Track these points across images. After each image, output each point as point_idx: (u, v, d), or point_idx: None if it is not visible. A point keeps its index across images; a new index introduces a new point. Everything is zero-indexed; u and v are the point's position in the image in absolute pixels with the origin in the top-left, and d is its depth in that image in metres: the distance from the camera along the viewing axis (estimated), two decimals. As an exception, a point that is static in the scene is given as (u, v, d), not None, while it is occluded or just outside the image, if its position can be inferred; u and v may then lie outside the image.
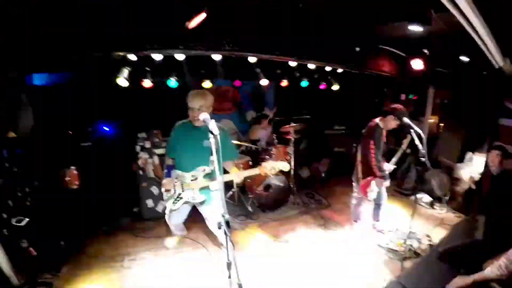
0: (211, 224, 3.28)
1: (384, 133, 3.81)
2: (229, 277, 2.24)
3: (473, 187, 4.12)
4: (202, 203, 3.09)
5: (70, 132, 4.33)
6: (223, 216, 2.08)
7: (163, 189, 3.18)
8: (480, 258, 2.69)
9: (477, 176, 4.13)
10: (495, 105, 4.61)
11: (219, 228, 2.10)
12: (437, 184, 4.91)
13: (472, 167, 4.22)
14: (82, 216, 4.17)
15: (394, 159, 3.85)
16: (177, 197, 3.08)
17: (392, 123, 3.66)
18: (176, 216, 3.37)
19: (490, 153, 3.96)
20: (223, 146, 2.93)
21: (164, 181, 3.16)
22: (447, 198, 4.76)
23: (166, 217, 3.40)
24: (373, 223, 4.29)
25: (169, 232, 4.06)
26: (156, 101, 4.81)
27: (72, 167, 4.05)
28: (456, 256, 2.81)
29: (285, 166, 2.97)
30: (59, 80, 4.19)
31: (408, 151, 4.07)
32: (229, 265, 2.21)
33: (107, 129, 4.41)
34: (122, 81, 4.22)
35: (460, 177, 4.75)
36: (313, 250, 3.84)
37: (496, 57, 3.09)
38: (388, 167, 3.82)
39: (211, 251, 3.76)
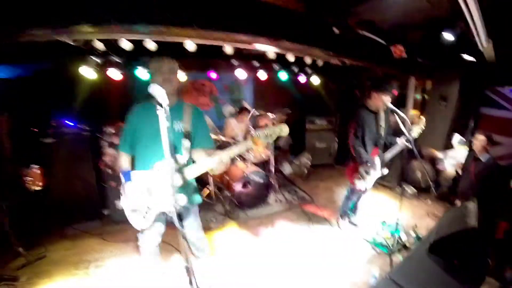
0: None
1: (380, 116, 3.51)
2: (190, 283, 1.87)
3: (460, 172, 4.02)
4: None
5: (35, 130, 3.99)
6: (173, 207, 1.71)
7: (130, 209, 2.33)
8: (473, 247, 2.56)
9: (460, 162, 4.05)
10: (477, 95, 4.61)
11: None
12: (421, 175, 4.82)
13: (456, 155, 4.14)
14: (44, 219, 3.91)
15: (389, 154, 3.53)
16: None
17: (378, 100, 3.36)
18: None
19: (473, 139, 3.88)
20: (199, 129, 2.43)
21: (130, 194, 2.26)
22: (432, 188, 4.63)
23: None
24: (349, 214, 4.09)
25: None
26: (124, 93, 4.50)
27: (35, 166, 3.67)
28: (448, 246, 2.64)
29: (284, 130, 2.14)
30: (21, 72, 3.86)
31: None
32: (187, 270, 1.82)
33: (71, 124, 4.04)
34: (89, 71, 3.95)
35: (444, 167, 4.67)
36: (298, 247, 3.63)
37: (482, 37, 2.98)
38: (377, 161, 3.50)
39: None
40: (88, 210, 4.22)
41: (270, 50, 4.02)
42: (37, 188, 3.70)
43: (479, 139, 3.81)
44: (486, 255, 2.79)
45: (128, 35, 3.14)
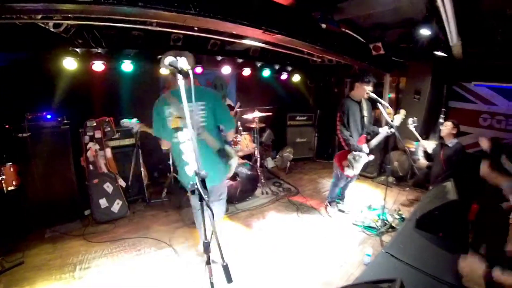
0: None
1: (363, 106, 3.77)
2: (208, 262, 1.82)
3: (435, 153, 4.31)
4: None
5: (7, 126, 3.64)
6: (197, 173, 1.65)
7: None
8: (454, 218, 2.82)
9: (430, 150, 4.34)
10: (446, 90, 5.09)
11: (193, 192, 1.64)
12: (399, 165, 5.17)
13: (429, 146, 4.46)
14: (20, 221, 3.62)
15: (374, 141, 3.79)
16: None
17: (360, 90, 3.64)
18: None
19: (441, 126, 4.20)
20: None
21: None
22: (415, 169, 4.95)
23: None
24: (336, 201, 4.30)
25: (129, 233, 3.70)
26: (107, 85, 4.32)
27: (8, 163, 3.38)
28: (432, 221, 2.87)
29: None
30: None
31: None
32: (207, 247, 1.77)
33: (49, 117, 3.77)
34: (70, 62, 3.75)
35: (418, 158, 5.02)
36: (291, 236, 3.70)
37: (453, 34, 3.30)
38: (365, 148, 3.75)
39: (178, 250, 3.37)
40: (68, 211, 3.96)
41: (260, 43, 4.11)
42: (12, 188, 3.43)
43: (446, 125, 4.07)
44: (466, 225, 3.09)
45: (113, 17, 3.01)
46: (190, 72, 1.69)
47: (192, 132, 1.72)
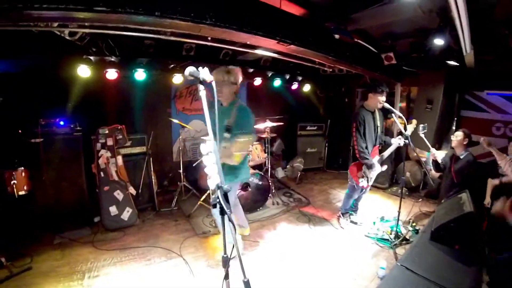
0: None
1: (376, 116, 3.77)
2: (226, 277, 1.75)
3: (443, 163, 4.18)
4: None
5: (20, 131, 3.69)
6: (219, 187, 1.59)
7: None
8: (471, 231, 2.74)
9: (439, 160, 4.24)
10: (458, 99, 5.05)
11: (214, 206, 1.58)
12: (411, 175, 5.09)
13: (441, 156, 4.38)
14: (29, 226, 3.63)
15: (387, 153, 3.77)
16: None
17: (374, 100, 3.63)
18: None
19: (452, 137, 4.02)
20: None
21: None
22: (421, 187, 4.89)
23: None
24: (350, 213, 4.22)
25: (139, 242, 3.68)
26: (120, 93, 4.37)
27: (20, 168, 3.39)
28: (448, 233, 2.80)
29: None
30: (6, 68, 3.60)
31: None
32: (225, 261, 1.71)
33: (62, 123, 3.81)
34: (84, 70, 3.80)
35: (430, 168, 4.94)
36: (303, 247, 3.63)
37: (466, 43, 3.28)
38: (376, 159, 3.74)
39: (188, 260, 3.32)
40: (78, 217, 3.97)
41: (272, 53, 4.13)
42: (22, 193, 3.42)
43: (456, 135, 3.88)
44: (482, 238, 3.00)
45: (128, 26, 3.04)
46: (214, 83, 1.67)
47: (215, 144, 1.68)
